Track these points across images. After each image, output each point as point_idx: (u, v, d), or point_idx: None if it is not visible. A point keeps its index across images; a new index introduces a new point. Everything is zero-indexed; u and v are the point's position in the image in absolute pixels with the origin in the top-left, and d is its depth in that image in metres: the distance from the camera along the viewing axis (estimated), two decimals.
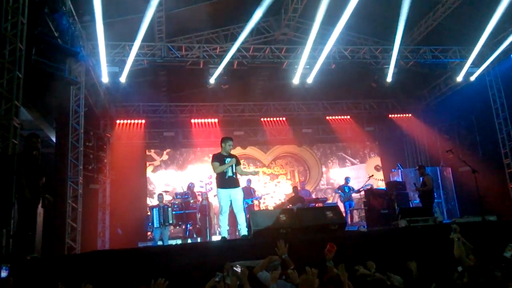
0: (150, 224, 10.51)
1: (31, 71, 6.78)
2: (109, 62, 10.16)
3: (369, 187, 12.04)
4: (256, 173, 7.75)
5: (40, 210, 6.54)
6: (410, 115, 15.06)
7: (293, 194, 11.67)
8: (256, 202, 11.96)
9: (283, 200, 13.47)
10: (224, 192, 6.70)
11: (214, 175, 6.96)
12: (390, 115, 15.10)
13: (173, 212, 10.25)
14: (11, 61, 6.29)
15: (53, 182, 8.44)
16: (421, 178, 10.18)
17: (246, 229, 6.59)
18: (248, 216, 7.02)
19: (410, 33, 12.04)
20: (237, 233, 7.19)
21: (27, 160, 6.11)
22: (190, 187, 11.94)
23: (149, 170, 14.02)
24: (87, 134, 10.73)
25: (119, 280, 4.73)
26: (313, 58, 11.61)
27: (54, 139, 10.40)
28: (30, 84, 6.91)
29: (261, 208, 13.39)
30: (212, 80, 11.05)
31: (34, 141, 6.33)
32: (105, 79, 10.29)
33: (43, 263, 5.43)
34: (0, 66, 6.19)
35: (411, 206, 10.67)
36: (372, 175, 12.75)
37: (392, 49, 10.82)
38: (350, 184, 12.53)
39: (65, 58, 7.63)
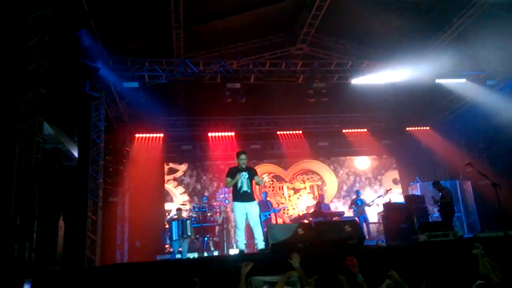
0: (168, 236, 10.59)
1: (53, 87, 6.98)
2: (128, 77, 10.38)
3: (379, 200, 11.92)
4: (261, 181, 7.57)
5: (61, 223, 6.66)
6: (428, 128, 14.87)
7: (316, 209, 11.61)
8: (273, 215, 11.93)
9: (304, 212, 13.38)
10: (239, 205, 6.74)
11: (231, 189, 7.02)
12: (407, 128, 14.94)
13: (191, 225, 10.29)
14: (35, 78, 6.49)
15: (73, 195, 8.57)
16: (440, 193, 10.04)
17: (263, 243, 6.58)
18: (265, 230, 7.02)
19: (427, 46, 11.98)
20: (255, 247, 7.18)
21: (49, 174, 6.24)
22: (204, 200, 11.99)
23: (170, 184, 14.17)
24: (107, 148, 10.92)
25: None
26: (328, 73, 11.68)
27: (75, 153, 10.63)
28: (52, 99, 7.11)
29: (284, 221, 13.40)
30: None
31: (56, 155, 6.48)
32: (124, 94, 10.54)
33: (63, 276, 5.50)
34: (24, 82, 6.39)
35: (430, 220, 10.50)
36: (390, 189, 12.61)
37: None
38: (362, 197, 12.42)
39: (86, 74, 7.85)
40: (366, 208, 12.12)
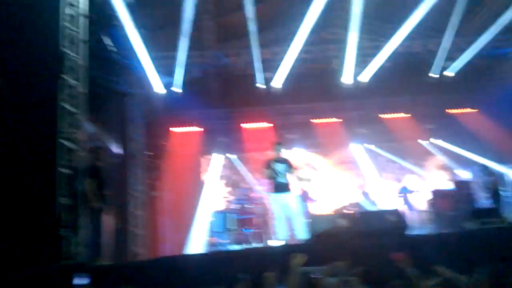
0: (211, 229, 10.68)
1: (90, 86, 7.11)
2: (162, 72, 10.45)
3: (426, 185, 11.51)
4: (308, 180, 7.61)
5: (105, 217, 6.81)
6: (473, 109, 14.14)
7: (357, 198, 11.35)
8: (312, 205, 11.74)
9: (346, 202, 13.12)
10: (275, 197, 6.70)
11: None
12: (451, 111, 14.25)
13: (233, 217, 10.32)
14: (73, 78, 6.64)
15: (116, 191, 8.75)
16: (488, 177, 9.56)
17: (304, 233, 6.47)
18: (306, 220, 6.90)
19: (468, 22, 11.33)
20: (295, 238, 7.08)
21: (93, 171, 6.38)
22: (245, 192, 11.95)
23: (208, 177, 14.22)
24: (145, 143, 11.10)
25: (183, 285, 4.80)
26: (365, 56, 11.30)
27: (114, 150, 10.84)
28: (90, 98, 7.24)
29: (321, 212, 13.21)
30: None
31: (98, 153, 6.63)
32: (159, 89, 10.58)
33: (111, 270, 5.61)
34: (63, 82, 6.54)
35: (480, 206, 10.01)
36: (436, 176, 12.14)
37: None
38: (407, 184, 11.99)
39: (120, 71, 7.95)
40: (413, 195, 11.68)
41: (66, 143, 6.36)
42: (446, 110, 14.21)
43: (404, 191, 11.76)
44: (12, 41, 5.72)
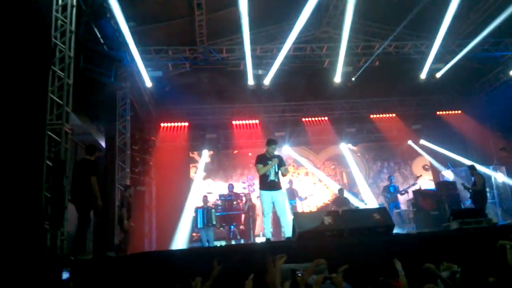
0: (194, 224, 10.69)
1: (79, 78, 7.04)
2: (152, 66, 10.39)
3: (413, 187, 11.64)
4: (286, 170, 7.32)
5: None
6: (460, 111, 14.36)
7: (339, 196, 11.42)
8: (300, 203, 11.82)
9: (329, 201, 13.20)
10: (266, 194, 6.68)
11: (257, 177, 6.94)
12: (438, 112, 14.49)
13: (216, 214, 10.33)
14: (61, 69, 6.58)
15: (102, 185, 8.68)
16: (472, 178, 9.70)
17: (291, 231, 6.50)
18: (292, 217, 6.94)
19: (458, 25, 11.47)
20: (282, 235, 7.12)
21: (94, 168, 6.28)
22: (230, 188, 11.99)
23: (195, 172, 14.21)
24: (133, 137, 11.05)
25: (164, 280, 4.80)
26: (355, 56, 11.37)
27: (102, 143, 10.77)
28: (79, 90, 7.17)
29: (307, 209, 13.26)
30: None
31: (94, 150, 6.56)
32: (148, 83, 10.51)
33: (95, 264, 5.58)
34: (51, 73, 6.47)
35: (462, 207, 10.19)
36: (421, 175, 12.32)
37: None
38: (394, 183, 12.11)
39: (110, 64, 7.84)
40: (396, 194, 11.81)
41: (53, 135, 6.30)
42: (437, 112, 14.41)
43: (389, 189, 11.88)
44: (4, 29, 5.57)
